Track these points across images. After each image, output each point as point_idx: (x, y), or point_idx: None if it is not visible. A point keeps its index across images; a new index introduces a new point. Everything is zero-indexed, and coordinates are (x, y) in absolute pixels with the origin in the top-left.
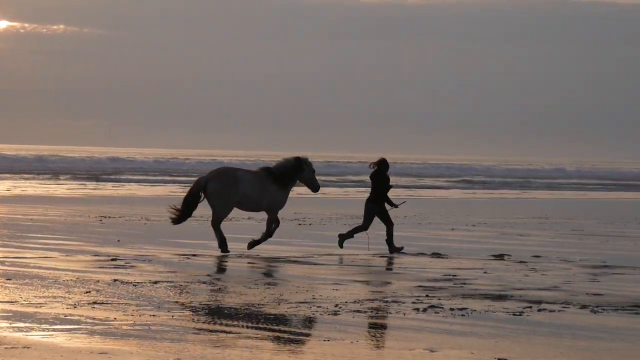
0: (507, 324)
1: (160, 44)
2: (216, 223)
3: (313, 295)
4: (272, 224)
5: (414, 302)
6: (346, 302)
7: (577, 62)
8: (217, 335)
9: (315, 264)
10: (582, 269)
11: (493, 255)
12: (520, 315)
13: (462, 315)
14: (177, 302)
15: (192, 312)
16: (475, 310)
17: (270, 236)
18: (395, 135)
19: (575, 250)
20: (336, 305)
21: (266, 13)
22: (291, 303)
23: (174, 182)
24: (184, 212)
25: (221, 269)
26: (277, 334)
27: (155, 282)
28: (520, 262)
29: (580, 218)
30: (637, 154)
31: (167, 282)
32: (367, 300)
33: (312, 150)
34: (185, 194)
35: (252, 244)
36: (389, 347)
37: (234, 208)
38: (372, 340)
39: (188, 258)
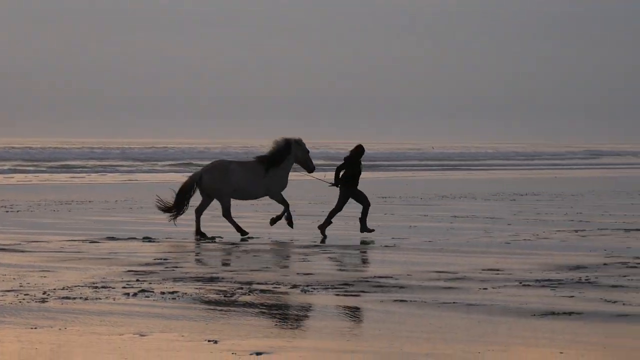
0: (218, 306)
1: None
2: (226, 213)
3: (20, 283)
4: (284, 201)
5: (124, 287)
6: (54, 289)
7: None
8: None
9: (23, 252)
10: (294, 249)
11: (207, 238)
12: (231, 296)
13: (173, 298)
14: None
15: None
16: (186, 294)
17: (289, 209)
18: None
19: (287, 231)
20: (44, 293)
21: None
22: None
23: None
24: (178, 205)
25: None
26: None
27: None
28: (233, 244)
29: (296, 198)
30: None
31: None
32: (76, 286)
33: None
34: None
35: (274, 220)
36: (98, 332)
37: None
38: (81, 327)
39: None
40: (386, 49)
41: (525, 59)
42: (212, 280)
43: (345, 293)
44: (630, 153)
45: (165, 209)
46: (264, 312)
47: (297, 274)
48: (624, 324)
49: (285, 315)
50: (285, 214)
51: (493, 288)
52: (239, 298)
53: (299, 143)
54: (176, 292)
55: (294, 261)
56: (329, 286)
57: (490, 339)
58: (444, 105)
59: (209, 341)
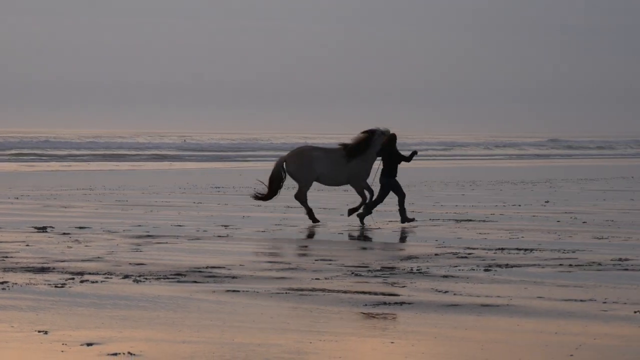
0: (48, 296)
1: None
2: (300, 196)
3: None
4: (363, 193)
5: None
6: None
7: None
8: None
9: None
10: (125, 240)
11: (35, 228)
12: (62, 287)
13: (3, 289)
14: None
15: None
16: (16, 284)
17: (366, 201)
18: None
19: (119, 221)
20: None
21: None
22: None
23: None
24: (271, 193)
25: None
26: None
27: None
28: (64, 234)
29: (126, 189)
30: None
31: None
32: None
33: None
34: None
35: (352, 211)
36: None
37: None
38: None
39: None
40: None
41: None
42: (43, 270)
43: (178, 283)
44: (482, 144)
45: (261, 198)
46: (95, 303)
47: (130, 264)
48: (454, 314)
49: (117, 305)
50: (363, 206)
51: (326, 278)
52: (70, 288)
53: (384, 134)
54: (6, 282)
55: (126, 251)
56: (162, 276)
57: (322, 328)
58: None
59: (39, 332)
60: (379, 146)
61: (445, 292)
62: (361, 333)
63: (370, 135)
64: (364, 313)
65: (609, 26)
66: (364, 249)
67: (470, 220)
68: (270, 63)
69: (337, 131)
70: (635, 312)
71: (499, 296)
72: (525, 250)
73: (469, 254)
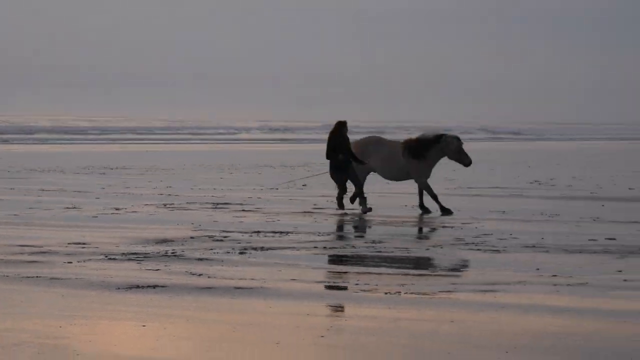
0: None
1: None
2: (357, 186)
3: None
4: (424, 190)
5: None
6: None
7: None
8: None
9: None
10: None
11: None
12: None
13: None
14: None
15: None
16: None
17: (435, 196)
18: None
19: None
20: None
21: None
22: None
23: None
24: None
25: None
26: None
27: None
28: None
29: None
30: None
31: None
32: None
33: None
34: None
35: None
36: None
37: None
38: None
39: None
40: None
41: None
42: None
43: None
44: (243, 129)
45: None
46: None
47: None
48: (208, 297)
49: None
50: (434, 199)
51: (78, 262)
52: None
53: (448, 142)
54: None
55: None
56: None
57: (73, 312)
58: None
59: None
60: (441, 151)
61: (200, 275)
62: (113, 316)
63: (435, 139)
64: (116, 296)
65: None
66: (117, 231)
67: (228, 203)
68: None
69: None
70: (385, 293)
71: (253, 279)
72: (281, 233)
73: (225, 237)
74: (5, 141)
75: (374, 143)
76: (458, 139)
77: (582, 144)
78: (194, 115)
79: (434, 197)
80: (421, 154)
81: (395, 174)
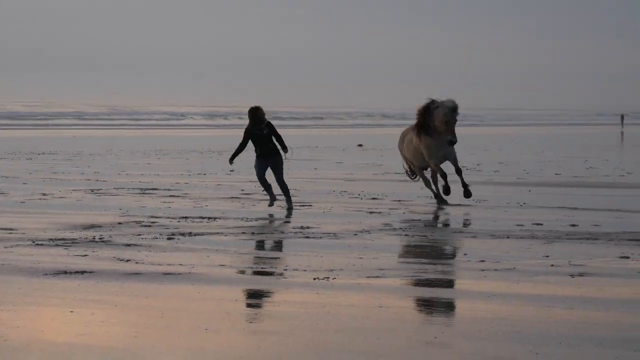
0: None
1: None
2: (417, 172)
3: None
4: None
5: None
6: None
7: None
8: None
9: None
10: None
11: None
12: None
13: None
14: None
15: None
16: None
17: (460, 172)
18: None
19: None
20: None
21: None
22: None
23: None
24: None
25: None
26: None
27: None
28: None
29: None
30: None
31: None
32: None
33: None
34: None
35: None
36: None
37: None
38: None
39: None
40: None
41: None
42: None
43: None
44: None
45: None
46: None
47: None
48: (136, 282)
49: None
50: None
51: (5, 247)
52: None
53: (438, 106)
54: None
55: None
56: None
57: (0, 298)
58: None
59: None
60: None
61: (127, 260)
62: (40, 302)
63: (425, 108)
64: (43, 282)
65: None
66: (45, 217)
67: (156, 189)
68: None
69: None
70: (314, 279)
71: (181, 264)
72: (209, 218)
73: (153, 222)
74: None
75: (407, 133)
76: (452, 109)
77: (511, 129)
78: (128, 101)
79: (426, 183)
80: (424, 127)
81: (420, 160)
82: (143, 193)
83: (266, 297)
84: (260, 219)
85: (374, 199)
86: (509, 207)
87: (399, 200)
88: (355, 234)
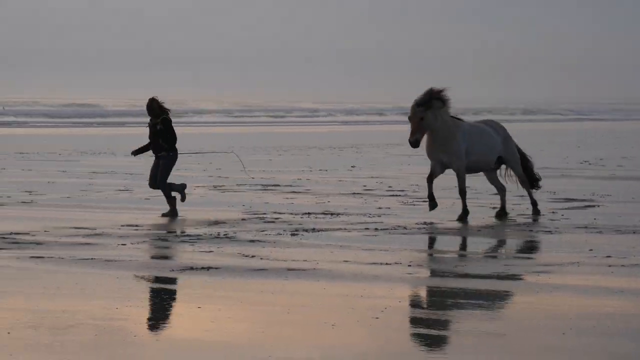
0: None
1: None
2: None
3: None
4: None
5: None
6: None
7: None
8: None
9: None
10: None
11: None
12: None
13: None
14: None
15: None
16: None
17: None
18: None
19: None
20: None
21: None
22: None
23: None
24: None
25: None
26: None
27: None
28: None
29: None
30: None
31: None
32: None
33: None
34: None
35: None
36: None
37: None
38: None
39: None
40: None
41: None
42: None
43: None
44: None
45: None
46: None
47: None
48: (260, 278)
49: None
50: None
51: (132, 244)
52: None
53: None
54: None
55: None
56: None
57: (129, 294)
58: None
59: None
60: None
61: (252, 256)
62: (168, 298)
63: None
64: (170, 278)
65: None
66: (171, 215)
67: (278, 185)
68: None
69: None
70: (441, 276)
71: (305, 260)
72: (332, 214)
73: (276, 218)
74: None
75: None
76: (414, 104)
77: (634, 123)
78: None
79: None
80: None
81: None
82: (265, 189)
83: (390, 292)
84: (384, 214)
85: (495, 194)
86: (634, 201)
87: (521, 195)
88: (479, 230)
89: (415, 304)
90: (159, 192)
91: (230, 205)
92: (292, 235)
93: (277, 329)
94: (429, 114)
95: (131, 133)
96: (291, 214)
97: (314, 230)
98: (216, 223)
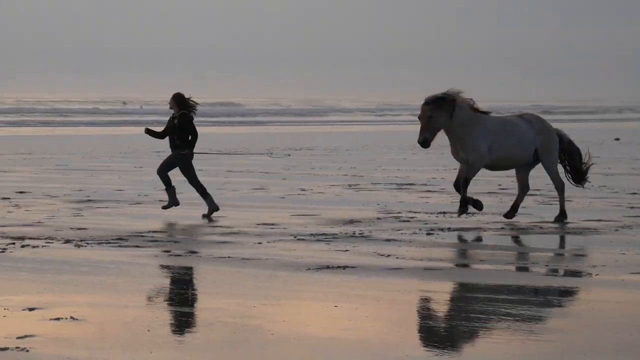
0: None
1: None
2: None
3: None
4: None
5: None
6: None
7: None
8: None
9: None
10: (66, 204)
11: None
12: (2, 252)
13: None
14: None
15: None
16: None
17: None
18: None
19: (59, 186)
20: None
21: None
22: None
23: None
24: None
25: None
26: None
27: None
28: (3, 198)
29: (67, 153)
30: None
31: None
32: None
33: None
34: None
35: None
36: None
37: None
38: None
39: None
40: None
41: None
42: None
43: (120, 248)
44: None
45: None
46: (36, 268)
47: (71, 228)
48: (396, 278)
49: (59, 270)
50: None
51: (268, 242)
52: (11, 253)
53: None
54: None
55: (67, 216)
56: (103, 241)
57: (265, 292)
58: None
59: None
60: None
61: (388, 255)
62: (304, 297)
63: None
64: (307, 277)
65: None
66: (305, 212)
67: (412, 184)
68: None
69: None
70: (581, 275)
71: (441, 259)
72: (467, 213)
73: (411, 217)
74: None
75: None
76: (424, 103)
77: None
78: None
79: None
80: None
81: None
82: (400, 188)
83: (529, 294)
84: (519, 214)
85: (633, 193)
86: None
87: None
88: (617, 230)
89: (558, 305)
90: (295, 191)
91: (365, 204)
92: (428, 234)
93: (413, 329)
94: (438, 112)
95: (270, 132)
96: (426, 213)
97: (449, 229)
98: (351, 222)
